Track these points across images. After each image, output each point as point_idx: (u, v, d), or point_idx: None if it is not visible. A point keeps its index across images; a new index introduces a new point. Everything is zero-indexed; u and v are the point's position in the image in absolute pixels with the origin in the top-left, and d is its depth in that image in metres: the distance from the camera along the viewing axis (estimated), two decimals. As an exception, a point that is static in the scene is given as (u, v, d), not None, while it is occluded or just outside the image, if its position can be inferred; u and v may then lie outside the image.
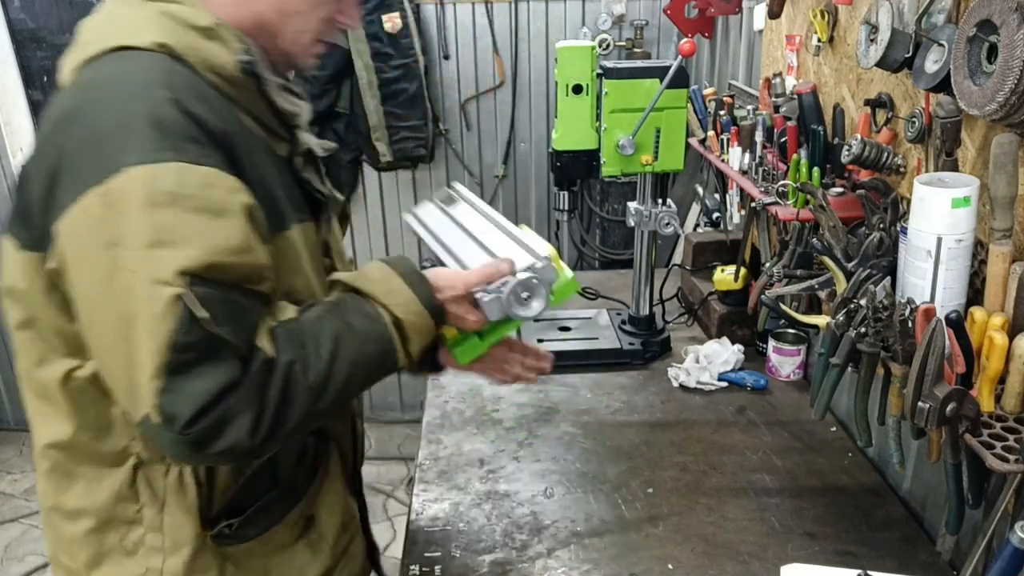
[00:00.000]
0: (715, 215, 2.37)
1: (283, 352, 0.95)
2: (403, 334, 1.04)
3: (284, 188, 1.06)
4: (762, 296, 1.42)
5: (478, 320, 1.10)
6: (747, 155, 1.82)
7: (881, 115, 1.44)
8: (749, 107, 1.95)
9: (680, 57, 1.72)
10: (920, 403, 1.01)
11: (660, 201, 1.94)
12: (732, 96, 2.23)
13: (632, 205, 1.98)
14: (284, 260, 1.03)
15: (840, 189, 1.48)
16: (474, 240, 1.21)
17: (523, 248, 1.15)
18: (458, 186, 1.36)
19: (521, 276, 1.09)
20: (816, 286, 1.37)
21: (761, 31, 2.16)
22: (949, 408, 1.00)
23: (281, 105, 1.06)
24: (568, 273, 1.16)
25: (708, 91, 2.32)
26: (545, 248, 1.15)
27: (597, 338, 2.05)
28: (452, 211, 1.31)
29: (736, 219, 2.10)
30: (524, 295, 1.09)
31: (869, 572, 1.06)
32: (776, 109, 1.83)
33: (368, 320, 1.03)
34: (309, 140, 1.16)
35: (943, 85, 1.16)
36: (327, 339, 0.99)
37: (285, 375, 0.94)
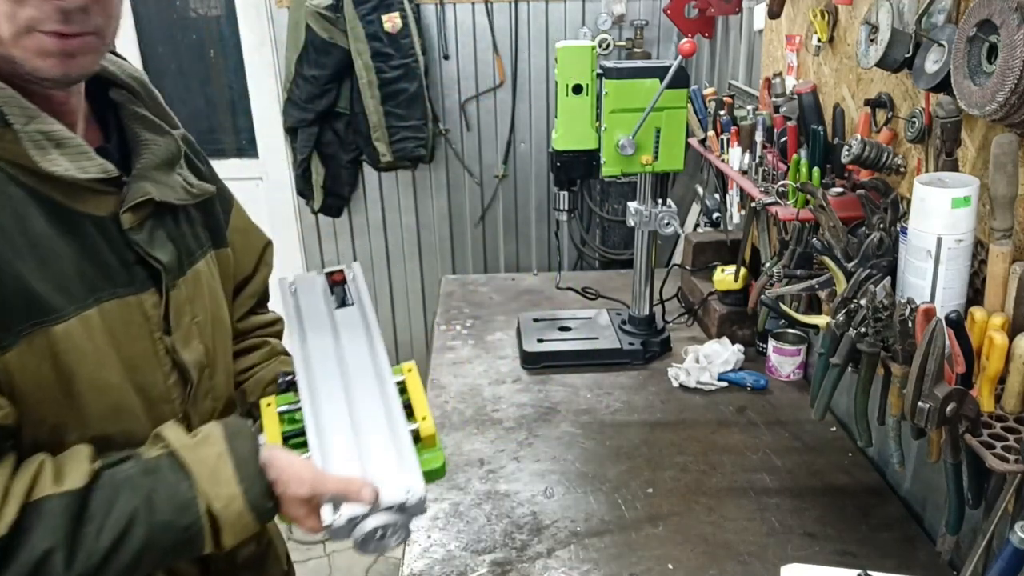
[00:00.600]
0: (715, 215, 2.37)
1: (41, 535, 0.78)
2: (216, 527, 0.89)
3: (89, 258, 0.88)
4: (762, 296, 1.42)
5: (315, 528, 0.93)
6: (747, 155, 1.82)
7: (881, 115, 1.44)
8: (749, 107, 1.95)
9: (680, 57, 1.72)
10: (920, 403, 1.01)
11: (660, 201, 1.94)
12: (732, 96, 2.23)
13: (632, 205, 1.98)
14: (50, 364, 0.84)
15: (840, 189, 1.48)
16: (345, 398, 1.01)
17: (395, 447, 0.96)
18: (356, 269, 1.16)
19: (382, 518, 0.91)
20: (816, 286, 1.37)
21: (761, 31, 2.16)
22: (949, 408, 1.00)
23: (36, 163, 0.83)
24: (439, 460, 1.00)
25: (708, 91, 2.32)
26: (425, 423, 0.99)
27: (597, 338, 2.05)
28: (338, 317, 1.11)
29: (736, 219, 2.10)
30: (379, 535, 0.92)
31: (869, 572, 1.06)
32: (776, 109, 1.83)
33: (177, 507, 0.86)
34: (156, 188, 0.96)
35: (943, 85, 1.16)
36: (117, 519, 0.83)
37: (34, 566, 0.78)
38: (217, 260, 1.12)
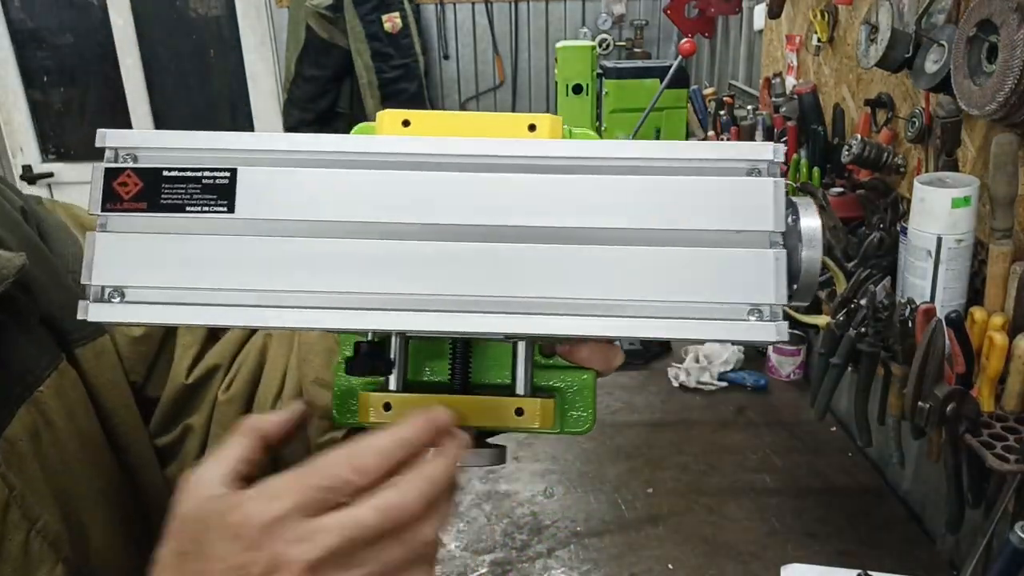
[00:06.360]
0: (715, 215, 2.37)
1: None
2: None
3: None
4: (762, 296, 1.41)
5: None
6: (747, 155, 1.82)
7: (881, 115, 1.44)
8: (749, 107, 1.95)
9: (680, 57, 1.73)
10: (920, 403, 1.01)
11: (660, 201, 1.94)
12: (732, 96, 2.23)
13: (632, 205, 1.97)
14: None
15: (840, 189, 1.48)
16: None
17: None
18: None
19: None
20: (816, 286, 1.37)
21: (761, 31, 2.16)
22: (949, 408, 1.00)
23: None
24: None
25: (708, 91, 2.32)
26: None
27: (597, 338, 2.04)
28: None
29: (736, 219, 2.09)
30: None
31: (869, 572, 1.06)
32: (776, 109, 1.83)
33: None
34: None
35: (943, 85, 1.16)
36: None
37: None
38: (86, 362, 0.64)
